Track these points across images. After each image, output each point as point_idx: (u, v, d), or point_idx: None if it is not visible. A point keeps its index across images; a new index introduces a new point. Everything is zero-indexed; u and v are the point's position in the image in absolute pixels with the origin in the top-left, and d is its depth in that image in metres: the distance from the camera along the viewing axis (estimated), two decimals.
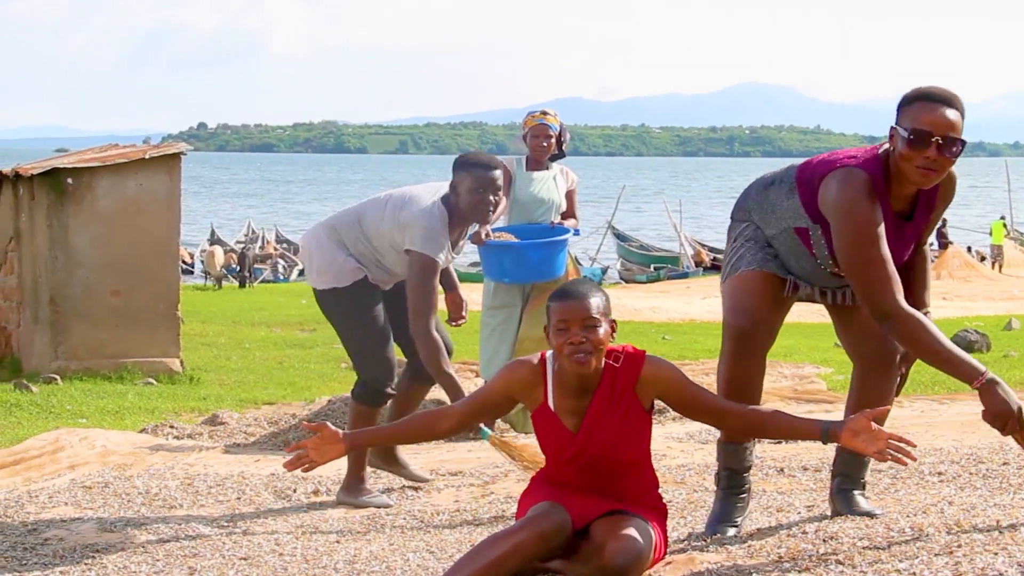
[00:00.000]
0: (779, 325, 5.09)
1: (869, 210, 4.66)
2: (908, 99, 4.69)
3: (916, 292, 4.96)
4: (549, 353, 4.60)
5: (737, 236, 5.13)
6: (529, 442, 5.74)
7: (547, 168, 9.23)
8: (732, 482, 5.13)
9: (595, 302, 4.46)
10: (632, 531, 4.38)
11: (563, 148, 9.31)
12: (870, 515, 4.91)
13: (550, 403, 4.55)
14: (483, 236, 8.69)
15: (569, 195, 9.26)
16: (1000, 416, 4.50)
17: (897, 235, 4.82)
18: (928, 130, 4.61)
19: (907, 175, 4.70)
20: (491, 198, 6.42)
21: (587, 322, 4.42)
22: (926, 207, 4.88)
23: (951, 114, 4.63)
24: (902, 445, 4.33)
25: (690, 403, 4.59)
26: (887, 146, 4.78)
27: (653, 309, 22.58)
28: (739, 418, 4.64)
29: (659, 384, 4.54)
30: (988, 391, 4.50)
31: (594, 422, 4.51)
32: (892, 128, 4.72)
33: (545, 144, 9.20)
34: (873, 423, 4.36)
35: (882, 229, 4.66)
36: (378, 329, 6.56)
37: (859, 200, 4.67)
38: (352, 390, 6.72)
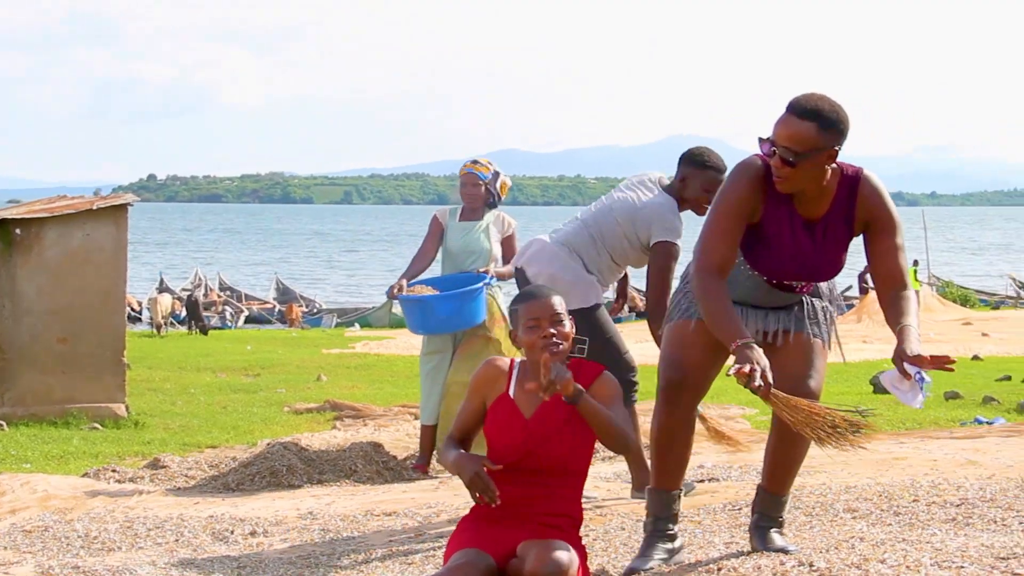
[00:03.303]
0: (715, 371, 5.25)
1: (739, 188, 4.94)
2: None
3: (892, 316, 4.97)
4: (518, 358, 4.87)
5: (684, 280, 5.33)
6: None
7: (481, 218, 9.38)
8: (657, 527, 5.26)
9: (558, 300, 4.77)
10: (556, 546, 4.52)
11: (498, 196, 9.46)
12: (784, 551, 5.05)
13: (510, 392, 4.77)
14: (395, 290, 8.96)
15: (506, 241, 9.37)
16: (739, 371, 4.68)
17: (810, 237, 5.01)
18: (771, 139, 4.84)
19: (807, 194, 4.94)
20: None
21: (555, 317, 4.71)
22: (844, 215, 4.99)
23: (796, 124, 4.79)
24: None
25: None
26: None
27: None
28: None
29: (605, 397, 4.74)
30: (740, 351, 4.72)
31: (547, 411, 4.71)
32: None
33: (473, 192, 9.38)
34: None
35: (739, 210, 4.92)
36: (620, 336, 7.21)
37: (735, 178, 4.97)
38: None
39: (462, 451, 4.80)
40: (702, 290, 4.92)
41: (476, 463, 4.68)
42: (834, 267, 5.11)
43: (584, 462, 4.80)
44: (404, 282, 9.12)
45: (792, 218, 4.99)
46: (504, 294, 9.45)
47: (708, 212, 5.06)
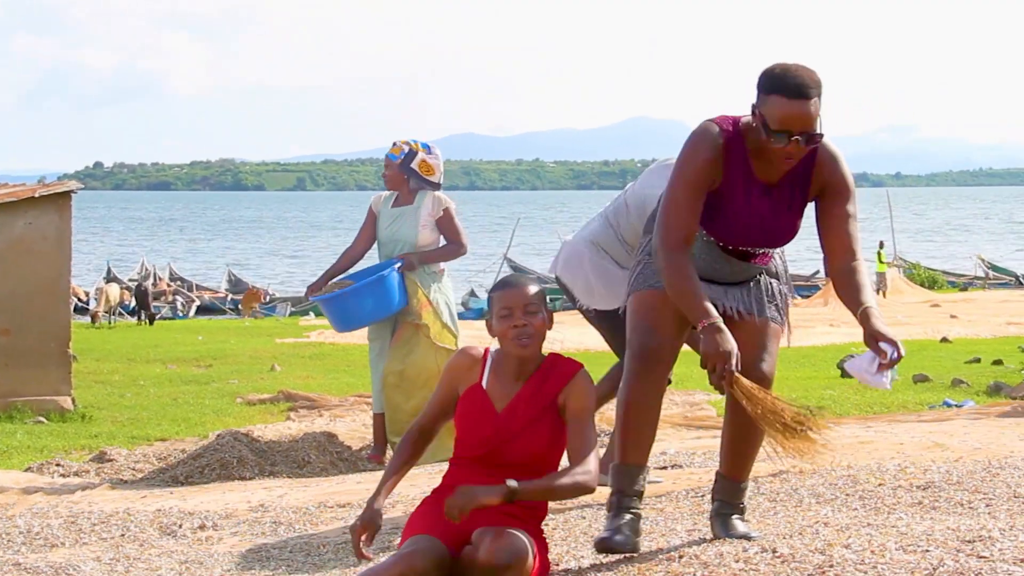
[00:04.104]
0: (680, 344, 5.16)
1: (698, 157, 4.88)
2: (767, 86, 4.78)
3: (848, 295, 4.96)
4: (492, 347, 4.81)
5: (641, 250, 5.24)
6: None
7: (412, 202, 9.19)
8: (622, 504, 5.09)
9: (533, 290, 4.72)
10: (511, 533, 4.46)
11: (419, 176, 9.20)
12: (747, 538, 4.97)
13: (483, 383, 4.72)
14: (309, 291, 8.93)
15: (441, 223, 9.15)
16: (710, 356, 4.70)
17: (768, 203, 4.96)
18: (787, 130, 4.75)
19: (767, 157, 4.86)
20: None
21: (528, 308, 4.67)
22: (801, 179, 4.97)
23: (806, 107, 4.75)
24: None
25: (572, 432, 4.68)
26: (749, 118, 4.91)
27: (548, 339, 22.72)
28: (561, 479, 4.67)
29: (576, 396, 4.69)
30: (708, 333, 4.70)
31: (518, 405, 4.67)
32: (753, 109, 4.84)
33: (387, 175, 9.24)
34: None
35: (700, 180, 4.86)
36: None
37: (693, 147, 4.90)
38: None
39: (373, 502, 4.66)
40: (669, 267, 4.87)
41: (369, 523, 4.62)
42: (790, 231, 5.07)
43: (554, 460, 4.74)
44: (323, 281, 9.06)
45: (749, 182, 4.95)
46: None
47: (668, 183, 4.96)
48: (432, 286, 9.14)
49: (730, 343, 4.71)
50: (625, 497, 5.12)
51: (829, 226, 4.98)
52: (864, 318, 4.83)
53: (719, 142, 4.89)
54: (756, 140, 4.87)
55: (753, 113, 4.86)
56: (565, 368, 4.74)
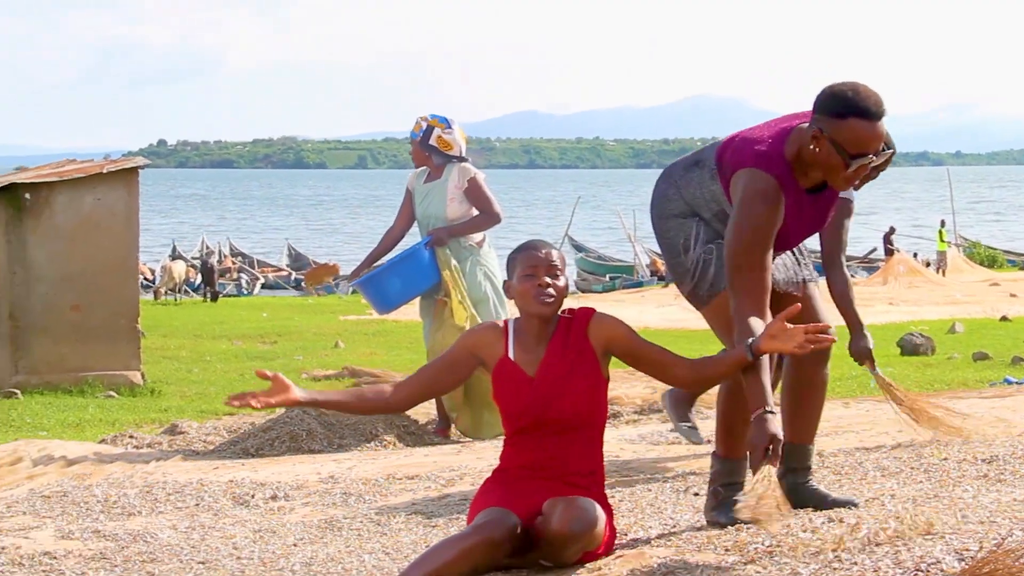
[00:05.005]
0: None
1: (764, 217, 4.80)
2: (839, 110, 4.72)
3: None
4: (510, 319, 4.87)
5: (695, 241, 5.11)
6: None
7: (440, 176, 9.21)
8: (727, 496, 5.04)
9: (556, 254, 4.80)
10: (581, 503, 4.53)
11: (439, 152, 9.20)
12: (851, 503, 5.03)
13: (510, 355, 4.77)
14: (349, 279, 9.02)
15: (468, 193, 9.14)
16: (752, 446, 4.58)
17: (814, 207, 5.00)
18: (866, 151, 4.74)
19: (828, 177, 4.85)
20: None
21: (551, 270, 4.74)
22: None
23: (883, 126, 4.78)
24: (819, 335, 4.56)
25: (636, 352, 4.77)
26: (798, 130, 4.87)
27: None
28: (683, 368, 4.77)
29: (606, 329, 4.77)
30: (756, 423, 4.58)
31: (550, 366, 4.73)
32: (818, 133, 4.76)
33: (413, 153, 9.28)
34: (787, 323, 4.52)
35: (770, 237, 4.80)
36: None
37: (757, 205, 4.80)
38: None
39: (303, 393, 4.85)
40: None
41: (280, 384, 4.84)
42: (827, 219, 5.16)
43: (599, 413, 4.80)
44: (365, 265, 9.14)
45: (799, 198, 4.94)
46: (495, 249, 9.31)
47: (735, 245, 4.83)
48: (469, 259, 9.14)
49: (779, 429, 4.62)
50: (730, 487, 5.07)
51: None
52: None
53: (778, 192, 4.84)
54: (807, 161, 4.84)
55: (814, 138, 4.79)
56: (581, 315, 4.81)
